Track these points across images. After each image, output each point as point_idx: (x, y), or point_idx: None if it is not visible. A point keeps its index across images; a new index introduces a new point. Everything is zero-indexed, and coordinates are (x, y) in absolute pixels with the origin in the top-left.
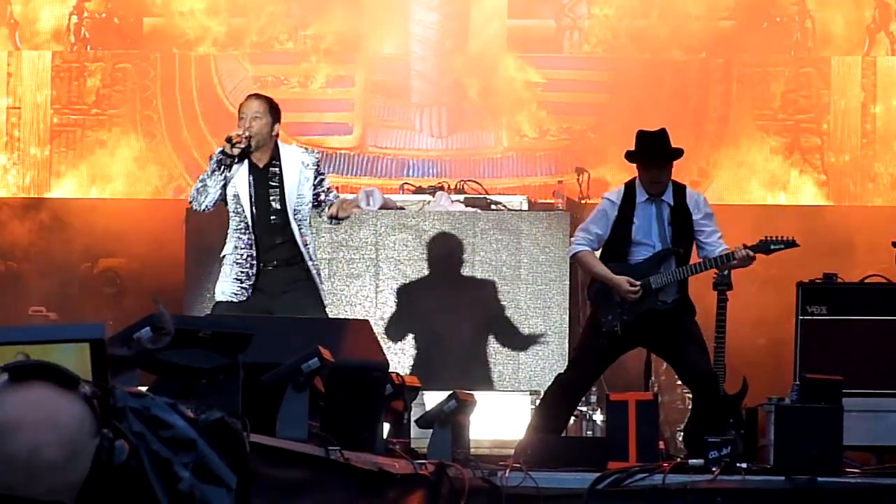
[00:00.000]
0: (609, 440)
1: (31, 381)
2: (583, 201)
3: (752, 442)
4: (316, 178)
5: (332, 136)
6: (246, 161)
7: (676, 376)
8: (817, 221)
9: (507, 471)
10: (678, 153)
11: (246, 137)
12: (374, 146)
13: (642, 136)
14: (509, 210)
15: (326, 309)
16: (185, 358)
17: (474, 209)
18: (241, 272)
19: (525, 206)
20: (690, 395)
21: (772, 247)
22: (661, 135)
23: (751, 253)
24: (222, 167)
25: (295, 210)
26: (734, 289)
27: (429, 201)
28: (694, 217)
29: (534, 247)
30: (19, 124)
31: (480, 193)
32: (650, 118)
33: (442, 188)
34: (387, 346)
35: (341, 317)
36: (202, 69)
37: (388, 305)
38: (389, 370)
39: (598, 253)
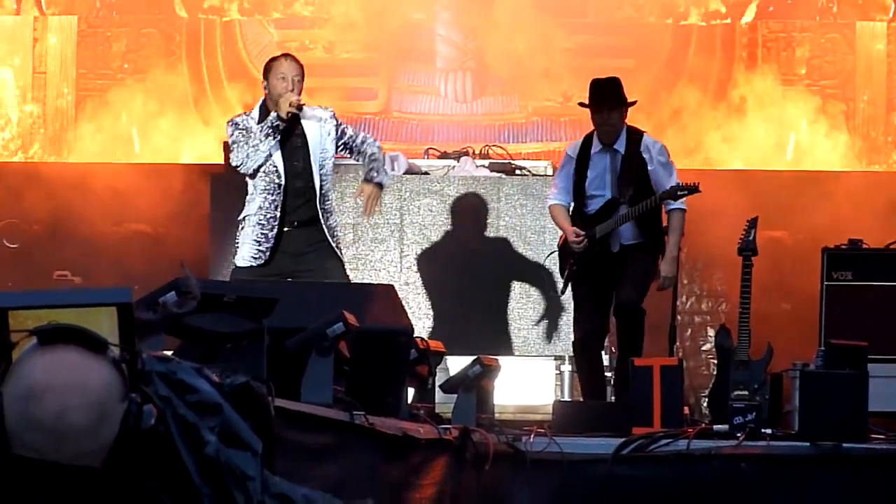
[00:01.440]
0: (634, 406)
1: (59, 345)
2: None
3: (776, 408)
4: (338, 131)
5: (357, 100)
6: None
7: (701, 342)
8: (843, 187)
9: (532, 436)
10: (626, 99)
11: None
12: (399, 111)
13: (593, 82)
14: (534, 175)
15: (351, 274)
16: (211, 322)
17: (499, 174)
18: (262, 234)
19: (549, 172)
20: (715, 361)
21: (678, 192)
22: (611, 81)
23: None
24: (276, 132)
25: (320, 166)
26: (759, 254)
27: (453, 166)
28: (648, 167)
29: None
30: (45, 89)
31: (505, 158)
32: (675, 83)
33: (466, 153)
34: (411, 310)
35: (366, 282)
36: (228, 34)
37: (413, 270)
38: (414, 335)
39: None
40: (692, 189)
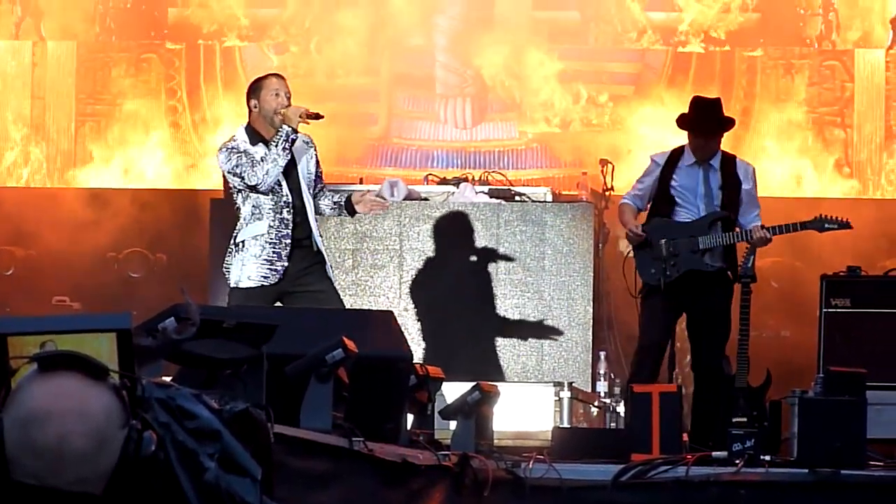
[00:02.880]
0: (633, 432)
1: (59, 371)
2: (607, 193)
3: (775, 434)
4: (316, 157)
5: (356, 126)
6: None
7: None
8: (842, 214)
9: (531, 462)
10: (730, 123)
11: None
12: (399, 137)
13: (696, 103)
14: (533, 201)
15: (350, 300)
16: (210, 348)
17: (498, 200)
18: (274, 253)
19: (549, 198)
20: None
21: (825, 225)
22: (715, 104)
23: (767, 234)
24: (291, 145)
25: (308, 187)
26: (758, 281)
27: (453, 192)
28: (744, 186)
29: (558, 238)
30: (44, 114)
31: (504, 185)
32: (674, 110)
33: (466, 179)
34: (411, 337)
35: (365, 308)
36: (227, 60)
37: (412, 296)
38: (413, 361)
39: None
40: (843, 224)
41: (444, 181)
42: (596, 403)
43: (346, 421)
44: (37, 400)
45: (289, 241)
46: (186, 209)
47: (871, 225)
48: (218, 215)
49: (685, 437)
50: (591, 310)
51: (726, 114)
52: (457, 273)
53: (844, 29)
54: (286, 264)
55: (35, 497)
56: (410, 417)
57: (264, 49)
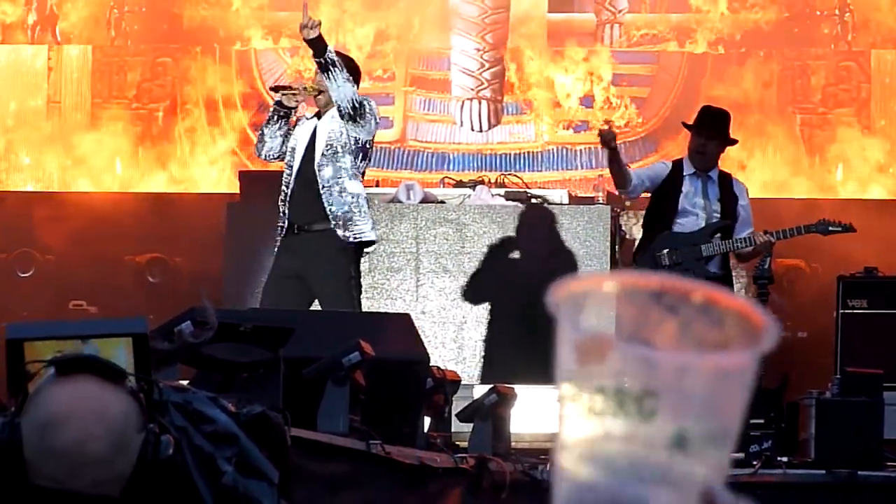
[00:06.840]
0: None
1: (77, 375)
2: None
3: (792, 436)
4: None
5: None
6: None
7: None
8: (857, 215)
9: (549, 464)
10: (729, 136)
11: (303, 89)
12: (415, 140)
13: (703, 108)
14: (550, 204)
15: (367, 302)
16: (227, 352)
17: (515, 203)
18: (279, 225)
19: (565, 200)
20: None
21: (829, 227)
22: (720, 113)
23: (771, 239)
24: (277, 117)
25: (320, 166)
26: (775, 282)
27: (469, 195)
28: (740, 202)
29: (574, 241)
30: (60, 118)
31: (521, 187)
32: (690, 111)
33: (482, 182)
34: (427, 339)
35: (382, 310)
36: (243, 63)
37: (429, 299)
38: (430, 364)
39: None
40: (846, 227)
41: (460, 184)
42: None
43: (363, 424)
44: (55, 404)
45: (285, 216)
46: (201, 213)
47: (889, 225)
48: (233, 219)
49: None
50: None
51: (745, 118)
52: (473, 276)
53: (861, 29)
54: (278, 240)
55: (54, 500)
56: (427, 420)
57: (280, 52)
